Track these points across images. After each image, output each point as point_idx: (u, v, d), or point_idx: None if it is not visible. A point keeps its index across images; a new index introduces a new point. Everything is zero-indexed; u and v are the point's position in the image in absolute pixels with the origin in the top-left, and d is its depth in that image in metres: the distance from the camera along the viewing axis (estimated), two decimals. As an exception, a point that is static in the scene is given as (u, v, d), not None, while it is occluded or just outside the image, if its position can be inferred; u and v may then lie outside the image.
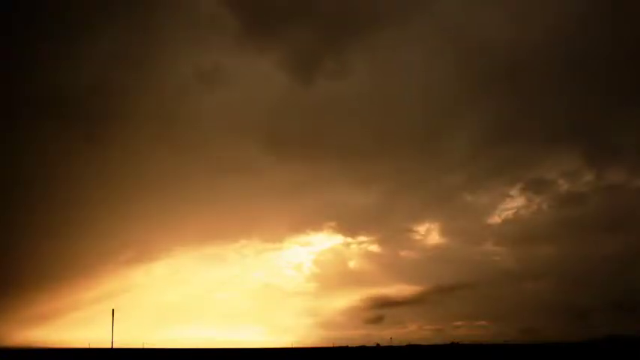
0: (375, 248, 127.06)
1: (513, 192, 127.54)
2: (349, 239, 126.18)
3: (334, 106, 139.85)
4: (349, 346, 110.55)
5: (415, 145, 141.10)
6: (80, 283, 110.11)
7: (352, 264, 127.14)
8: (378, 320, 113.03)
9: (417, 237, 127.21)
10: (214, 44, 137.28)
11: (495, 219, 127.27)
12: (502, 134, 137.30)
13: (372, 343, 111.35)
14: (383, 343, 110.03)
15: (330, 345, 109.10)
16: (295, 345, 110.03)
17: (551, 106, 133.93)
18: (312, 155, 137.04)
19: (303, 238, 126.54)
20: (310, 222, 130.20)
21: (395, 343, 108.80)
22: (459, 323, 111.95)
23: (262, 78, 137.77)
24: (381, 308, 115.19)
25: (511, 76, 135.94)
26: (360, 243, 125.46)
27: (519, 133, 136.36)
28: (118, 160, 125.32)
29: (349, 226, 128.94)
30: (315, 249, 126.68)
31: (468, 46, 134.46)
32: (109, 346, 76.87)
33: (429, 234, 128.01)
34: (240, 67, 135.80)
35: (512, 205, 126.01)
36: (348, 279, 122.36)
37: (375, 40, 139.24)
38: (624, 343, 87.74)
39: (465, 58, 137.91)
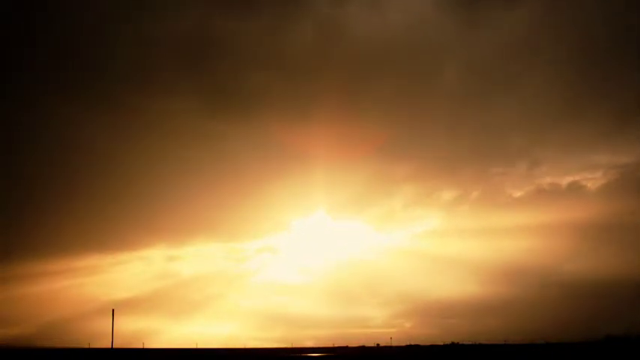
0: (368, 234, 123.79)
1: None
2: (338, 225, 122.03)
3: (281, 49, 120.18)
4: (349, 346, 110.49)
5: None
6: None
7: (345, 255, 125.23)
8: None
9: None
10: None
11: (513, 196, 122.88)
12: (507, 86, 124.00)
13: (372, 343, 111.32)
14: (383, 343, 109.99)
15: (330, 345, 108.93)
16: (294, 345, 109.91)
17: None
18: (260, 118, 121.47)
19: (287, 226, 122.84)
20: (296, 206, 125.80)
21: (395, 343, 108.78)
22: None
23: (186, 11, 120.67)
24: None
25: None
26: (353, 230, 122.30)
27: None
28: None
29: (338, 209, 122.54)
30: (304, 237, 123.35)
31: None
32: (109, 346, 76.76)
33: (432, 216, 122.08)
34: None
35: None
36: (345, 274, 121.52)
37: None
38: (624, 343, 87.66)
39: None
